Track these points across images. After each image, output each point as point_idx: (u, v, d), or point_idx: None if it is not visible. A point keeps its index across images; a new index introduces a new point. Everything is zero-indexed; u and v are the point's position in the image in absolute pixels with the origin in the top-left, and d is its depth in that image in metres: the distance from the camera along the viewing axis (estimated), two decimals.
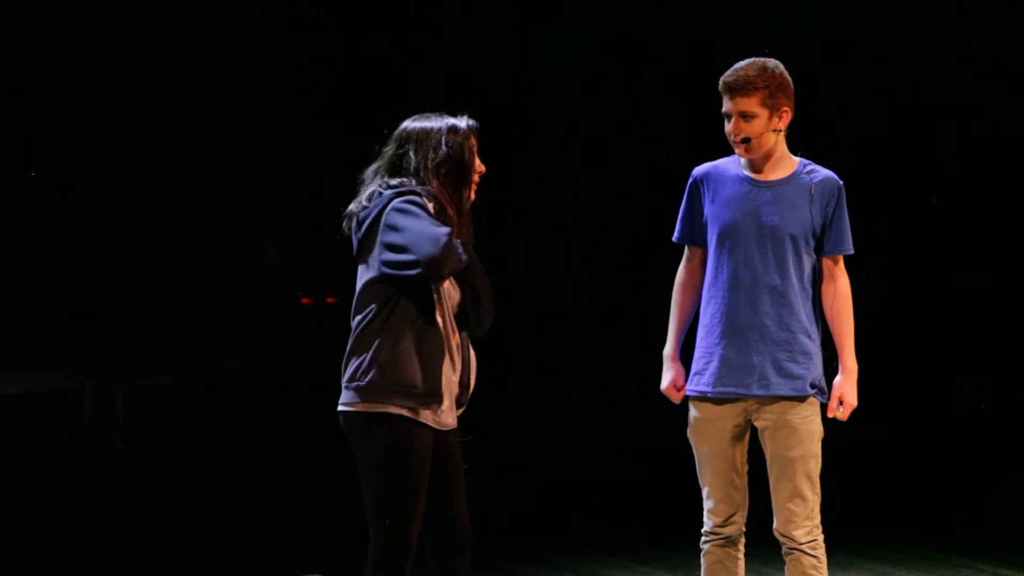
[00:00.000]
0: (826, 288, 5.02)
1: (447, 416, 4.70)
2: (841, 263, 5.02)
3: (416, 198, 4.60)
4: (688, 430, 5.09)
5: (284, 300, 12.12)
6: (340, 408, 4.70)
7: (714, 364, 5.00)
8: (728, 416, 5.00)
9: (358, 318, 4.66)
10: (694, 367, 5.08)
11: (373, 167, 4.80)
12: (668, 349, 5.18)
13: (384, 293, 4.62)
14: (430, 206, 4.63)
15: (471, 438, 4.79)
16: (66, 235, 10.91)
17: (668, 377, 5.17)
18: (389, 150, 4.75)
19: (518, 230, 11.86)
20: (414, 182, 4.67)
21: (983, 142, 9.93)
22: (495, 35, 11.51)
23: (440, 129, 4.73)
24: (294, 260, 12.07)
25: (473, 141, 4.76)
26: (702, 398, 5.04)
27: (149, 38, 10.85)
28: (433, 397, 4.62)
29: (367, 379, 4.61)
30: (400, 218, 4.56)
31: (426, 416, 4.64)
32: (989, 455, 9.45)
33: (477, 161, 4.76)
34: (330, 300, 11.91)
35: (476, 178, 4.77)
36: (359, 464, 4.68)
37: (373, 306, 4.63)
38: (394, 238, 4.56)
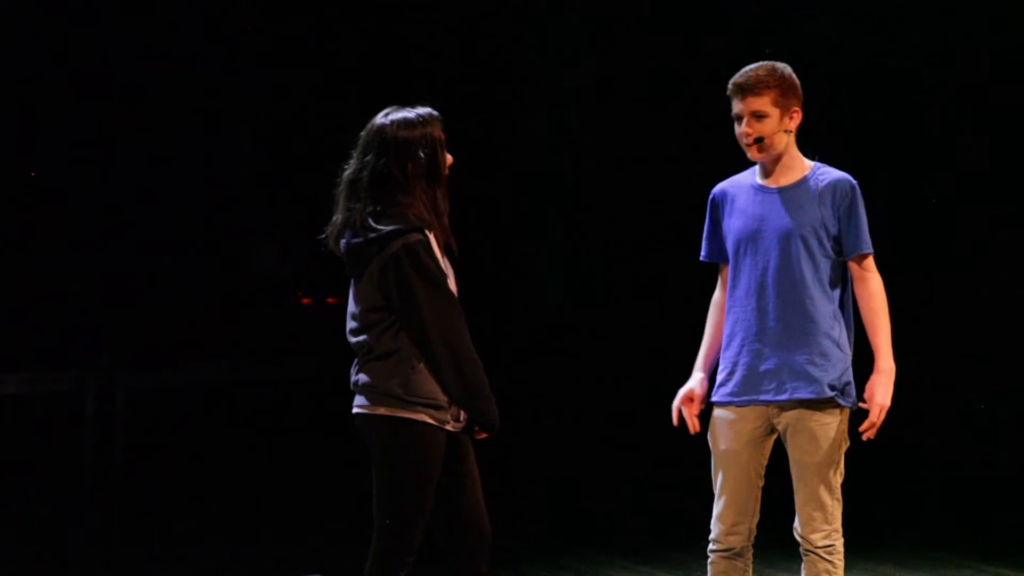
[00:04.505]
0: (857, 291, 4.94)
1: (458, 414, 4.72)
2: (868, 263, 4.92)
3: (426, 249, 4.59)
4: (708, 434, 5.06)
5: (284, 300, 12.10)
6: (364, 411, 4.69)
7: (737, 374, 4.97)
8: (748, 419, 4.96)
9: (371, 332, 4.65)
10: (718, 378, 5.05)
11: (351, 174, 4.74)
12: (697, 361, 5.14)
13: (390, 318, 4.64)
14: (434, 246, 4.63)
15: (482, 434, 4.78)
16: (66, 235, 10.90)
17: (687, 385, 5.11)
18: (370, 159, 4.69)
19: (519, 230, 11.85)
20: (403, 200, 4.64)
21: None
22: (495, 34, 11.50)
23: (420, 136, 4.69)
24: (294, 260, 12.05)
25: (442, 136, 4.75)
26: (721, 404, 5.01)
27: (150, 37, 10.84)
28: (449, 405, 4.67)
29: (395, 386, 4.62)
30: (417, 285, 4.57)
31: (445, 420, 4.67)
32: (989, 455, 9.44)
33: (448, 156, 4.77)
34: (330, 300, 11.89)
35: (447, 171, 4.77)
36: (378, 466, 4.69)
37: (384, 323, 4.65)
38: (412, 309, 4.58)
